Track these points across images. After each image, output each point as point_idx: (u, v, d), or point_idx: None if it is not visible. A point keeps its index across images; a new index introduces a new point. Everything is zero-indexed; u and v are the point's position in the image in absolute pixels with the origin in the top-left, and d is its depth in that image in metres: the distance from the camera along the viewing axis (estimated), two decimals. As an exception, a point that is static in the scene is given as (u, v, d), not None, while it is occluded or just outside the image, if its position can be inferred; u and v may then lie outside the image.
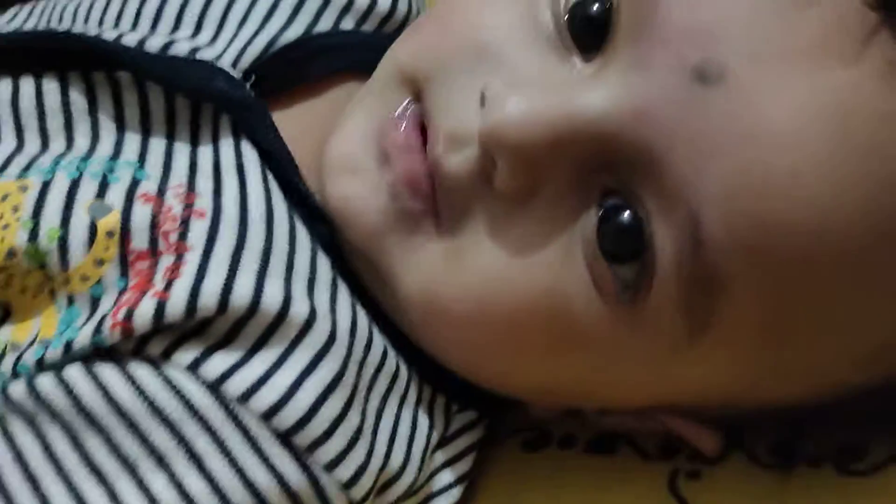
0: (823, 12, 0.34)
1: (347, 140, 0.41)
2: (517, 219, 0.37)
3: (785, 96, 0.33)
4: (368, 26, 0.48)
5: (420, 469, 0.41)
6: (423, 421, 0.42)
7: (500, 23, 0.39)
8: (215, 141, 0.41)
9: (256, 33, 0.45)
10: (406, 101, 0.40)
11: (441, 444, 0.43)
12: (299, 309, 0.37)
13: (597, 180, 0.36)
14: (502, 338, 0.38)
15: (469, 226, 0.38)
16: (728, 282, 0.35)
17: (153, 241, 0.38)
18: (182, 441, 0.35)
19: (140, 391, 0.36)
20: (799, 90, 0.34)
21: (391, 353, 0.41)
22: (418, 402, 0.42)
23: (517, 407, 0.46)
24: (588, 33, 0.38)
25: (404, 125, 0.39)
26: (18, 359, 0.37)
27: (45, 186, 0.38)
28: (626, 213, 0.36)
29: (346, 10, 0.48)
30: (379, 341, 0.40)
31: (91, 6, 0.46)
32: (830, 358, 0.38)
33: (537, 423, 0.46)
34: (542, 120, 0.35)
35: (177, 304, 0.36)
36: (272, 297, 0.36)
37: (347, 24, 0.48)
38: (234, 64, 0.43)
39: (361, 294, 0.41)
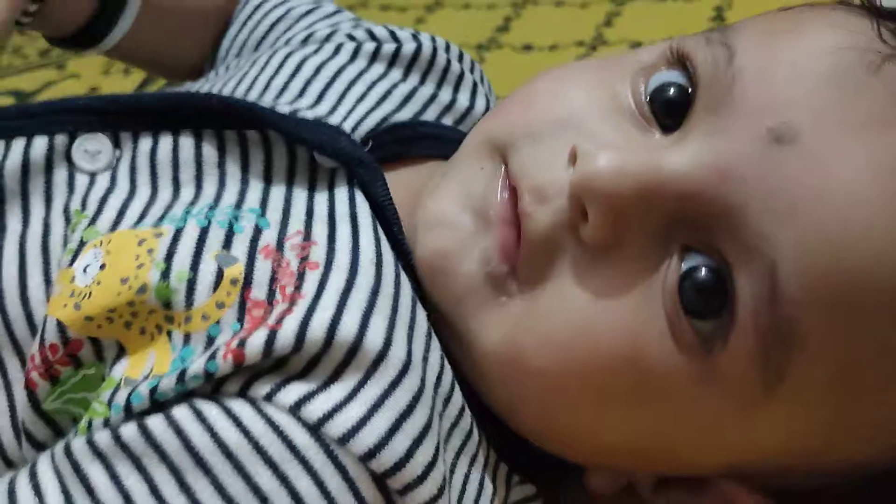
0: (887, 84, 0.36)
1: (445, 199, 0.43)
2: (600, 269, 0.38)
3: (854, 156, 0.35)
4: (465, 127, 0.54)
5: None
6: (488, 485, 0.42)
7: (582, 99, 0.42)
8: (331, 191, 0.44)
9: (373, 109, 0.50)
10: (503, 169, 0.41)
11: None
12: (398, 352, 0.37)
13: (679, 236, 0.38)
14: (581, 388, 0.39)
15: (552, 277, 0.39)
16: (803, 335, 0.35)
17: (271, 293, 0.39)
18: (285, 482, 0.35)
19: (245, 432, 0.36)
20: (866, 149, 0.35)
21: (467, 412, 0.41)
22: (486, 466, 0.43)
23: (573, 488, 0.46)
24: (667, 113, 0.40)
25: (505, 193, 0.41)
26: (131, 392, 0.38)
27: (178, 233, 0.40)
28: (705, 271, 0.37)
29: (447, 108, 0.54)
30: (458, 398, 0.40)
31: (233, 81, 0.52)
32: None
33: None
34: (632, 173, 0.37)
35: (287, 335, 0.36)
36: (375, 335, 0.37)
37: (447, 120, 0.54)
38: (352, 131, 0.47)
39: (447, 351, 0.42)
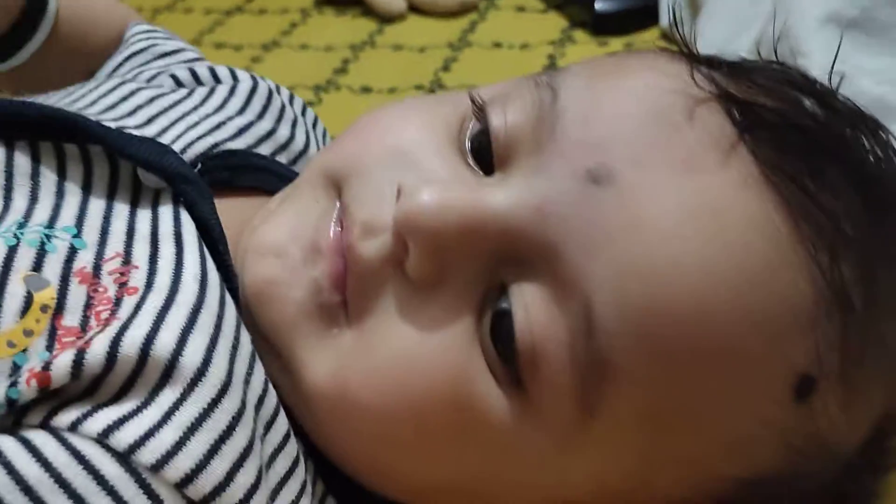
0: (699, 128, 0.38)
1: (278, 227, 0.43)
2: (424, 305, 0.39)
3: (665, 195, 0.37)
4: (299, 168, 0.53)
5: None
6: None
7: (414, 134, 0.42)
8: (154, 210, 0.42)
9: (204, 136, 0.49)
10: (336, 203, 0.42)
11: None
12: (218, 371, 0.36)
13: (500, 274, 0.39)
14: (404, 425, 0.39)
15: (378, 311, 0.39)
16: (616, 368, 0.36)
17: (84, 319, 0.37)
18: None
19: (47, 465, 0.33)
20: (676, 191, 0.37)
21: (293, 439, 0.40)
22: (313, 497, 0.42)
23: None
24: (485, 157, 0.41)
25: (338, 226, 0.41)
26: None
27: None
28: (518, 315, 0.38)
29: (284, 146, 0.54)
30: (283, 423, 0.40)
31: (62, 96, 0.50)
32: (710, 448, 0.39)
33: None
34: (454, 210, 0.38)
35: (97, 353, 0.35)
36: (194, 353, 0.36)
37: (282, 158, 0.53)
38: (182, 153, 0.46)
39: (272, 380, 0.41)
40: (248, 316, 0.41)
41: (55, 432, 0.34)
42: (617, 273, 0.36)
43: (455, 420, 0.38)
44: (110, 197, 0.43)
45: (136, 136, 0.46)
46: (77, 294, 0.38)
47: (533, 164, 0.39)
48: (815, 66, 0.62)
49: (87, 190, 0.43)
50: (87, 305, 0.38)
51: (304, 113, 0.59)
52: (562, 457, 0.39)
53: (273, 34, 1.04)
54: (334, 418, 0.40)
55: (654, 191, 0.37)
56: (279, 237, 0.42)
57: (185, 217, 0.42)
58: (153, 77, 0.56)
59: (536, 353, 0.37)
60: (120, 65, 0.59)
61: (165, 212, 0.42)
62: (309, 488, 0.41)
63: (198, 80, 0.56)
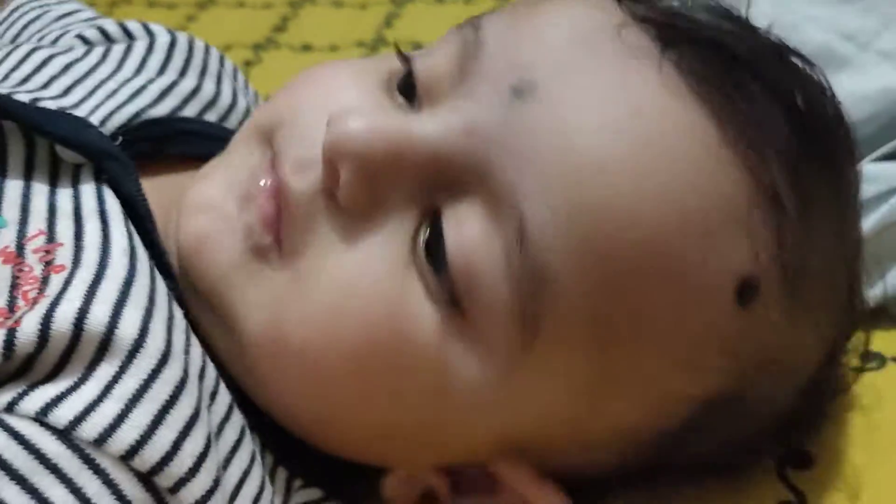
0: (621, 44, 0.39)
1: (211, 184, 0.42)
2: (358, 235, 0.39)
3: (589, 103, 0.37)
4: (230, 123, 0.53)
5: None
6: (268, 486, 0.41)
7: (346, 80, 0.43)
8: (76, 187, 0.41)
9: (124, 104, 0.47)
10: (269, 154, 0.41)
11: None
12: (156, 341, 0.36)
13: (434, 200, 0.38)
14: (342, 358, 0.38)
15: (312, 247, 0.39)
16: (553, 274, 0.36)
17: (11, 300, 0.36)
18: (35, 494, 0.32)
19: None
20: (600, 98, 0.37)
21: (237, 410, 0.40)
22: (264, 466, 0.41)
23: (370, 493, 0.44)
24: (412, 98, 0.42)
25: (269, 174, 0.41)
26: None
27: None
28: (451, 234, 0.38)
29: (211, 103, 0.52)
30: (225, 395, 0.39)
31: None
32: (656, 360, 0.38)
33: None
34: (381, 133, 0.38)
35: (29, 331, 0.34)
36: (129, 324, 0.35)
37: (211, 116, 0.52)
38: (101, 126, 0.45)
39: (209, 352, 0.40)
40: (185, 279, 0.41)
41: None
42: (545, 181, 0.36)
43: (394, 350, 0.38)
44: (28, 174, 0.41)
45: (52, 110, 0.44)
46: (2, 274, 0.37)
47: (458, 92, 0.39)
48: (763, 15, 0.62)
49: (2, 168, 0.41)
50: (13, 286, 0.37)
51: (235, 76, 0.58)
52: (508, 383, 0.38)
53: (208, -9, 1.01)
54: (274, 366, 0.39)
55: (578, 99, 0.37)
56: (212, 192, 0.42)
57: (109, 194, 0.41)
58: (57, 39, 0.54)
59: (471, 271, 0.37)
60: (17, 36, 0.57)
61: (87, 189, 0.41)
62: (259, 458, 0.40)
63: (109, 38, 0.54)
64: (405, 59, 0.42)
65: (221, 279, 0.40)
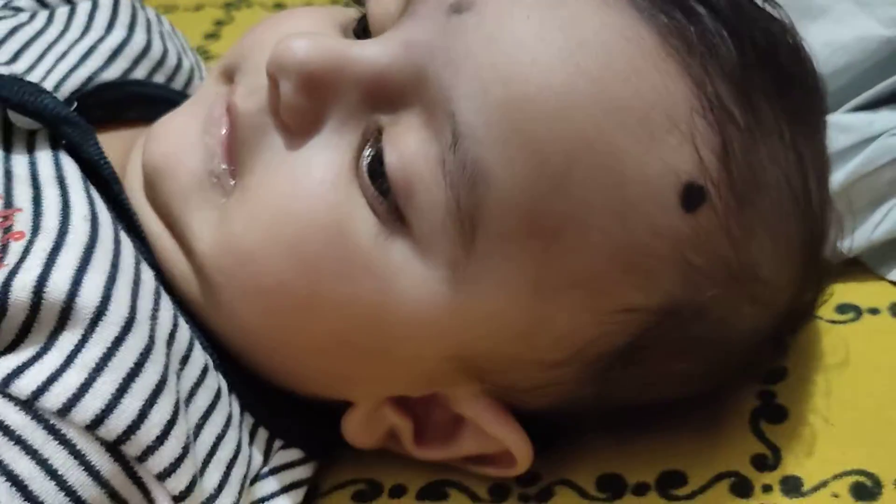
0: None
1: (176, 115, 0.44)
2: (301, 150, 0.40)
3: (523, 10, 0.38)
4: (176, 84, 0.53)
5: (239, 496, 0.40)
6: (245, 448, 0.41)
7: (306, 20, 0.44)
8: (31, 153, 0.41)
9: (75, 67, 0.47)
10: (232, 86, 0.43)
11: (261, 477, 0.42)
12: (119, 308, 0.35)
13: (376, 120, 0.39)
14: (289, 267, 0.39)
15: (259, 164, 0.40)
16: (488, 170, 0.36)
17: None
18: (1, 467, 0.32)
19: None
20: (534, 6, 0.38)
21: (212, 372, 0.40)
22: (241, 429, 0.41)
23: (345, 454, 0.45)
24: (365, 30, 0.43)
25: (227, 104, 0.42)
26: None
27: None
28: (389, 148, 0.38)
29: (160, 63, 0.53)
30: (199, 357, 0.39)
31: None
32: (601, 263, 0.38)
33: (366, 473, 0.46)
34: (321, 50, 0.40)
35: None
36: (91, 291, 0.35)
37: (159, 78, 0.52)
38: (54, 91, 0.45)
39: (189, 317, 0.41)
40: (149, 198, 0.42)
41: None
42: (478, 81, 0.37)
43: (336, 256, 0.38)
44: None
45: (4, 76, 0.43)
46: None
47: (402, 18, 0.40)
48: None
49: None
50: None
51: (174, 33, 0.58)
52: (453, 293, 0.38)
53: (178, -52, 0.99)
54: (224, 279, 0.40)
55: (512, 8, 0.38)
56: (177, 121, 0.44)
57: (67, 160, 0.41)
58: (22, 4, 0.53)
59: (408, 178, 0.38)
60: None
61: (44, 156, 0.41)
62: (236, 421, 0.40)
63: (44, 5, 0.53)
64: (359, 3, 0.43)
65: (179, 201, 0.41)
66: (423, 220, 0.38)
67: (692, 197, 0.37)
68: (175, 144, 0.42)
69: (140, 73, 0.51)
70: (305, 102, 0.39)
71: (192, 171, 0.41)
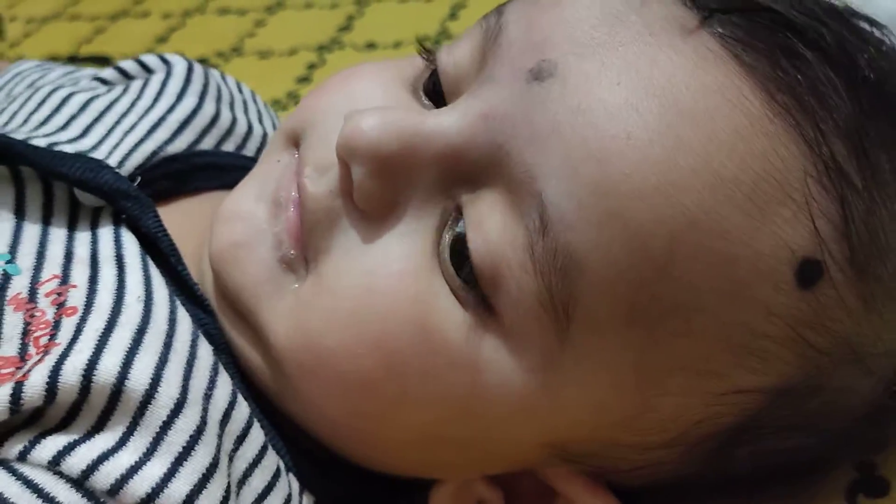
0: (647, 14, 0.36)
1: (241, 194, 0.42)
2: (378, 234, 0.37)
3: (612, 75, 0.34)
4: (248, 151, 0.52)
5: None
6: None
7: (372, 83, 0.42)
8: (94, 231, 0.41)
9: (142, 141, 0.47)
10: (296, 158, 0.41)
11: None
12: (169, 390, 0.35)
13: (455, 197, 0.37)
14: (373, 362, 0.36)
15: (333, 251, 0.38)
16: (582, 258, 0.34)
17: (23, 347, 0.36)
18: None
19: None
20: (624, 69, 0.35)
21: (271, 452, 0.39)
22: None
23: None
24: (440, 94, 0.40)
25: (297, 180, 0.40)
26: None
27: None
28: (472, 230, 0.36)
29: (228, 132, 0.52)
30: (258, 435, 0.38)
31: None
32: (709, 347, 0.35)
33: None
34: (394, 127, 0.37)
35: (35, 386, 0.33)
36: (140, 374, 0.34)
37: (229, 146, 0.52)
38: (119, 167, 0.45)
39: (251, 391, 0.40)
40: (218, 293, 0.40)
41: (4, 463, 0.33)
42: (566, 159, 0.34)
43: (422, 351, 0.36)
44: (46, 219, 0.41)
45: (68, 154, 0.43)
46: (13, 322, 0.36)
47: (479, 80, 0.38)
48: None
49: (20, 214, 0.41)
50: (25, 332, 0.36)
51: (240, 89, 0.57)
52: (548, 382, 0.36)
53: (279, -5, 1.00)
54: (304, 375, 0.38)
55: (598, 75, 0.35)
56: (243, 202, 0.41)
57: (127, 236, 0.41)
58: (97, 77, 0.54)
59: (495, 265, 0.35)
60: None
61: (105, 233, 0.41)
62: (295, 500, 0.39)
63: (127, 76, 0.54)
64: (429, 53, 0.41)
65: (252, 290, 0.39)
66: (512, 310, 0.35)
67: (809, 273, 0.34)
68: (242, 233, 0.40)
69: (208, 144, 0.51)
70: (380, 187, 0.37)
71: (262, 261, 0.39)
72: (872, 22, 0.39)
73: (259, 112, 0.57)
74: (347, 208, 0.38)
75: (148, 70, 0.54)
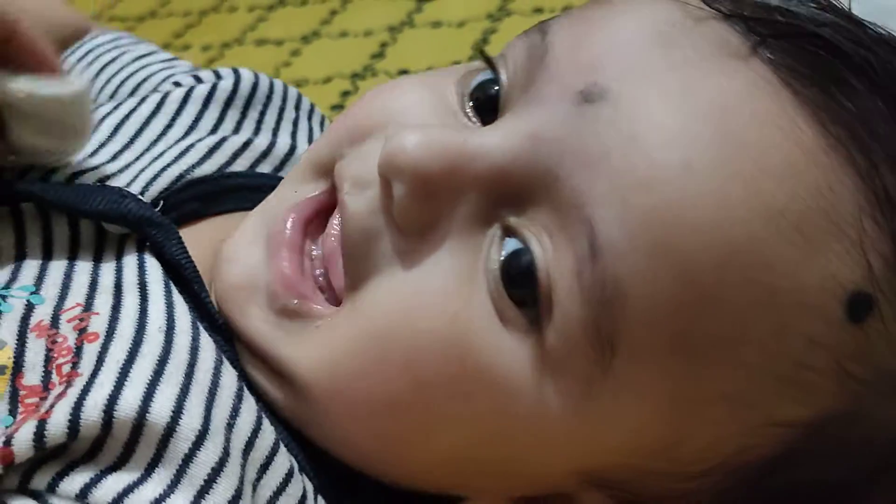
0: (699, 40, 0.36)
1: (244, 230, 0.41)
2: (418, 254, 0.36)
3: (664, 103, 0.34)
4: (285, 172, 0.51)
5: None
6: None
7: (407, 100, 0.40)
8: (119, 259, 0.41)
9: (168, 166, 0.47)
10: (313, 185, 0.40)
11: None
12: (191, 422, 0.35)
13: (500, 216, 0.36)
14: (405, 382, 0.36)
15: (373, 277, 0.37)
16: (629, 287, 0.33)
17: (46, 375, 0.36)
18: None
19: None
20: (677, 96, 0.34)
21: (297, 477, 0.38)
22: None
23: None
24: (488, 110, 0.39)
25: (291, 214, 0.39)
26: None
27: None
28: (525, 257, 0.35)
29: (264, 155, 0.50)
30: (283, 462, 0.38)
31: None
32: (753, 379, 0.34)
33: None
34: (437, 145, 0.36)
35: (58, 424, 0.33)
36: (161, 408, 0.34)
37: (265, 168, 0.50)
38: (142, 193, 0.44)
39: (277, 415, 0.39)
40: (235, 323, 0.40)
41: (35, 495, 0.33)
42: (617, 187, 0.33)
43: (460, 374, 0.35)
44: (72, 251, 0.41)
45: (89, 187, 0.44)
46: (35, 349, 0.36)
47: (524, 99, 0.37)
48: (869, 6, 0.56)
49: (47, 247, 0.41)
50: (48, 359, 0.36)
51: (298, 105, 0.56)
52: (587, 408, 0.35)
53: (313, 24, 1.01)
54: (334, 404, 0.37)
55: (652, 100, 0.34)
56: (240, 240, 0.41)
57: (151, 263, 0.40)
58: (138, 86, 0.54)
59: (548, 288, 0.34)
60: (93, 79, 0.57)
61: (130, 260, 0.40)
62: None
63: (197, 79, 0.53)
64: (488, 62, 0.40)
65: (261, 339, 0.39)
66: (556, 335, 0.34)
67: (859, 308, 0.34)
68: (236, 276, 0.40)
69: (241, 165, 0.49)
70: (421, 206, 0.36)
71: (263, 318, 0.39)
72: None
73: (310, 130, 0.56)
74: (388, 226, 0.37)
75: (217, 76, 0.53)
